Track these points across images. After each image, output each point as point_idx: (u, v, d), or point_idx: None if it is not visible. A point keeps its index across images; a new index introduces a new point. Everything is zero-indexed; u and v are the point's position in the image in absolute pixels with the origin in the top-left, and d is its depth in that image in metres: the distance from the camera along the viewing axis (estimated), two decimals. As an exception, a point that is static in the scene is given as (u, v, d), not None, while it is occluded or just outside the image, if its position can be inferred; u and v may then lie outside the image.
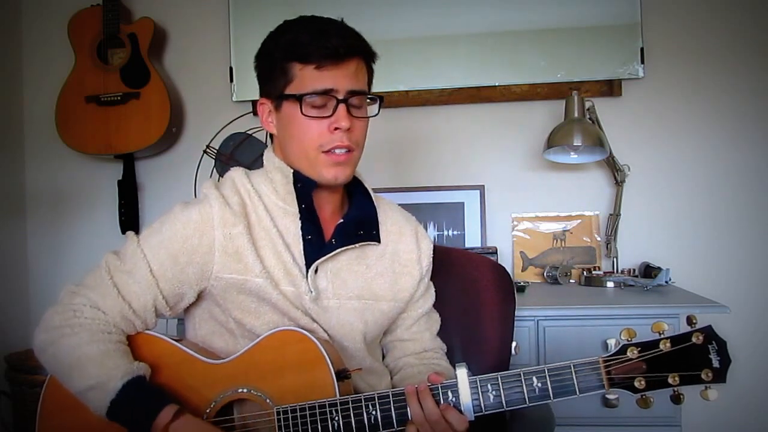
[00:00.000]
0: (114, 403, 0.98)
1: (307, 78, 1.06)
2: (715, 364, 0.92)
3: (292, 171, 1.12)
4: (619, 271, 2.14)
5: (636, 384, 0.93)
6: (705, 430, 2.16)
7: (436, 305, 1.29)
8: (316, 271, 1.12)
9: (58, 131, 2.36)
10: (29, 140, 2.59)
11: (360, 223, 1.17)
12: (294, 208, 1.13)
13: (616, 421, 1.69)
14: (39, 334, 1.07)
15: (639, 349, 0.94)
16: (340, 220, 1.17)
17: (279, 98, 1.10)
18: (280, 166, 1.13)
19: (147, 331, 1.11)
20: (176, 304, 1.12)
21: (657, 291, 1.91)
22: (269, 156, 1.17)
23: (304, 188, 1.12)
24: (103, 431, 1.03)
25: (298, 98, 1.06)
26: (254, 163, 2.09)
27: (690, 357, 0.92)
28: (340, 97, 1.06)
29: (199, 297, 1.13)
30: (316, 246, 1.12)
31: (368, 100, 1.13)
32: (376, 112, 1.14)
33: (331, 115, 1.07)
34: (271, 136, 1.19)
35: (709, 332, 0.93)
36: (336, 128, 1.07)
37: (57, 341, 1.04)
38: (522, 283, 2.03)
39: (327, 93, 1.06)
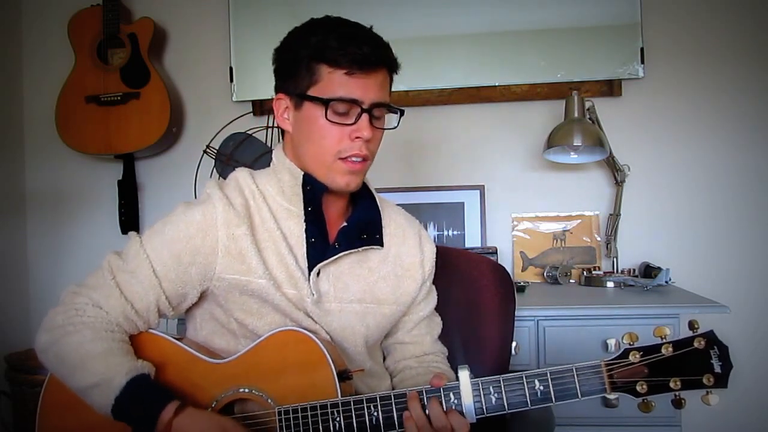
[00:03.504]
0: (118, 401, 0.98)
1: (336, 83, 1.04)
2: (717, 369, 0.92)
3: (302, 173, 1.11)
4: (619, 271, 2.14)
5: (638, 388, 0.93)
6: (705, 430, 2.17)
7: (437, 305, 1.29)
8: (318, 274, 1.12)
9: (58, 131, 2.37)
10: (29, 140, 2.59)
11: (363, 227, 1.17)
12: (299, 209, 1.12)
13: (616, 421, 1.70)
14: (41, 335, 1.06)
15: (641, 353, 0.94)
16: (343, 223, 1.16)
17: (301, 97, 1.08)
18: (290, 168, 1.13)
19: (149, 330, 1.11)
20: (179, 304, 1.11)
21: (657, 291, 1.91)
22: (279, 155, 1.16)
23: (313, 191, 1.12)
24: (103, 430, 1.03)
25: (325, 102, 1.04)
26: (255, 163, 2.09)
27: (692, 362, 0.92)
28: (365, 106, 1.05)
29: (201, 297, 1.13)
30: (320, 249, 1.12)
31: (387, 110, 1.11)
32: (395, 124, 1.13)
33: (353, 123, 1.06)
34: (282, 134, 1.17)
35: (711, 337, 0.93)
36: (357, 137, 1.06)
37: (60, 340, 1.04)
38: (522, 283, 2.03)
39: (353, 102, 1.05)
